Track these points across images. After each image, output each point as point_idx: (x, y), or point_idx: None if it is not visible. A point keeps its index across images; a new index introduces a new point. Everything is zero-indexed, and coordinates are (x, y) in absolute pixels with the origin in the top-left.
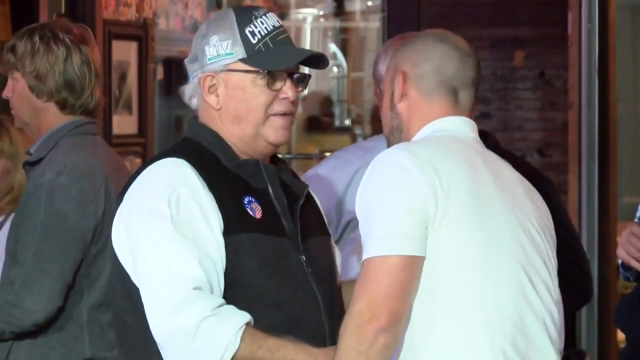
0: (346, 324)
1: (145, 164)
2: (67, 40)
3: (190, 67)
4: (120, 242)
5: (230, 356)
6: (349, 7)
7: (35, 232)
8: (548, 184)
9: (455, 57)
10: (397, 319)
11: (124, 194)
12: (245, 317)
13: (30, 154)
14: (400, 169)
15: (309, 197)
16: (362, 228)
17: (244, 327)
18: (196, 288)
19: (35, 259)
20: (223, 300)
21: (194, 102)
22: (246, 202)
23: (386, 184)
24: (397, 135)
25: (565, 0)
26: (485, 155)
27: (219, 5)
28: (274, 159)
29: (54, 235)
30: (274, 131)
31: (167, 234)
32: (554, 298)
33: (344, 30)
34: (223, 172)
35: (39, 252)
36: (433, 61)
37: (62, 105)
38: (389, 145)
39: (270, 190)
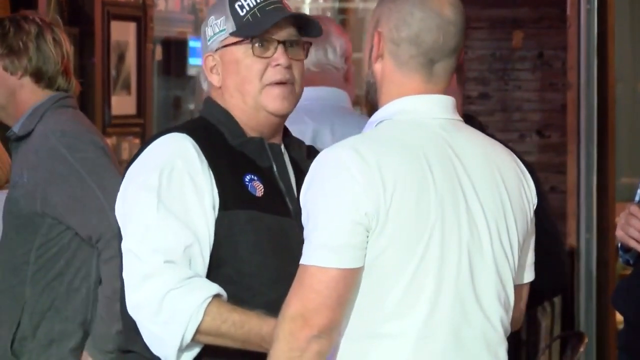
0: (279, 327)
1: (150, 138)
2: (38, 20)
3: (202, 52)
4: (119, 214)
5: (194, 329)
6: None
7: (85, 181)
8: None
9: (434, 26)
10: (331, 328)
11: (127, 169)
12: (211, 289)
13: (13, 132)
14: (345, 174)
15: None
16: (305, 225)
17: (210, 299)
18: (168, 261)
19: (107, 195)
20: (193, 272)
21: (205, 86)
22: (247, 180)
23: (330, 190)
24: (372, 92)
25: None
26: (451, 142)
27: None
28: (286, 137)
29: (101, 170)
30: (271, 100)
31: (150, 207)
32: (502, 302)
33: (342, 11)
34: (227, 150)
35: (104, 188)
36: (410, 30)
37: (38, 77)
38: (366, 96)
39: (275, 169)
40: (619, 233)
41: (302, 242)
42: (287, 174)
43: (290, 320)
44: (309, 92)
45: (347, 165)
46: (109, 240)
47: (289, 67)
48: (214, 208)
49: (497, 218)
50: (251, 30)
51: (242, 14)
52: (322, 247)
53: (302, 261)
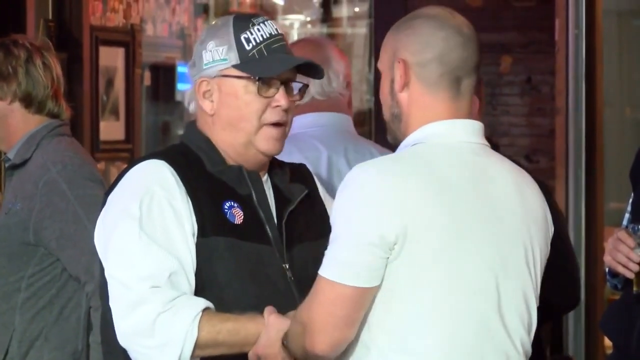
0: (291, 330)
1: (129, 165)
2: (28, 45)
3: (191, 72)
4: (99, 241)
5: (192, 345)
6: (336, 13)
7: (80, 220)
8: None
9: (458, 44)
10: (333, 348)
11: (107, 196)
12: (199, 304)
13: (9, 159)
14: (369, 196)
15: (306, 201)
16: (331, 235)
17: (200, 314)
18: (154, 286)
19: None
20: (178, 293)
21: (191, 107)
22: (226, 208)
23: (352, 209)
24: (397, 123)
25: (552, 6)
26: (483, 167)
27: (206, 12)
28: (271, 164)
29: (98, 209)
30: (266, 141)
31: (132, 236)
32: (525, 324)
33: (331, 36)
34: (205, 177)
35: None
36: (434, 50)
37: (28, 102)
38: (389, 132)
39: (254, 197)
40: (606, 258)
41: (281, 269)
42: (267, 202)
43: (296, 333)
44: (317, 118)
45: (372, 187)
46: (96, 288)
47: (287, 109)
48: (193, 235)
49: (524, 241)
50: (259, 71)
51: (247, 48)
52: (337, 263)
53: (320, 269)
